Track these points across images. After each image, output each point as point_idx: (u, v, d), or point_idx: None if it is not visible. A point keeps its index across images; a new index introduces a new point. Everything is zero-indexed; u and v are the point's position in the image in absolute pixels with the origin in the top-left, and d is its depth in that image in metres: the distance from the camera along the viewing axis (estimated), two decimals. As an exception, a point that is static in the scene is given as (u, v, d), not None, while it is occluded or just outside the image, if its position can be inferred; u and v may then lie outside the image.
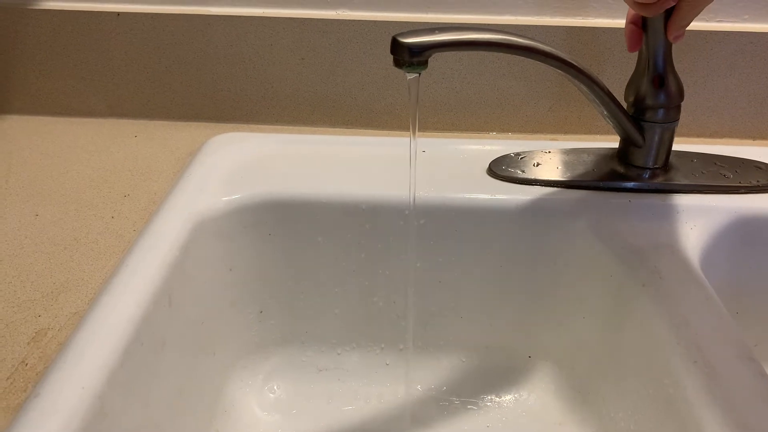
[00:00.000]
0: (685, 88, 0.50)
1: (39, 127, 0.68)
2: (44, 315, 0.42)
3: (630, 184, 0.53)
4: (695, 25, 0.62)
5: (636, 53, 0.50)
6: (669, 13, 0.45)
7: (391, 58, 0.40)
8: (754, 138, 0.66)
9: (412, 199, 0.50)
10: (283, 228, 0.54)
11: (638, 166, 0.53)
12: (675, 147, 0.53)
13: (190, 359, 0.48)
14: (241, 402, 0.56)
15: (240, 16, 0.63)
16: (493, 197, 0.53)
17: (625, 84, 0.51)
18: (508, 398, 0.58)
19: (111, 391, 0.36)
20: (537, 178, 0.54)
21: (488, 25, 0.63)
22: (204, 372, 0.51)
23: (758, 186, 0.53)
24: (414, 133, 0.46)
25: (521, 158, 0.57)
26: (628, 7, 0.46)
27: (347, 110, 0.67)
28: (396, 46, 0.39)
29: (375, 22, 0.62)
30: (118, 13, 0.64)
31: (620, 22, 0.62)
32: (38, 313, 0.42)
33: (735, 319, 0.42)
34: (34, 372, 0.37)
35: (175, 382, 0.46)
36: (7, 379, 0.37)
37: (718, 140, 0.66)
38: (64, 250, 0.48)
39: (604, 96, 0.47)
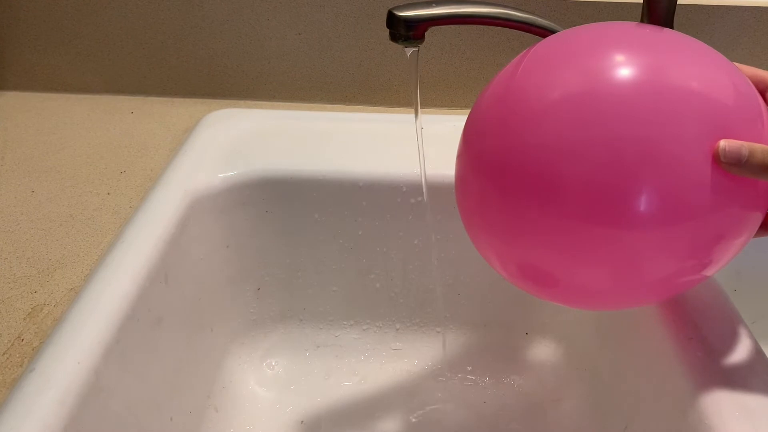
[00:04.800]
0: (686, 63, 0.49)
1: (34, 104, 0.67)
2: (40, 291, 0.42)
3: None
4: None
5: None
6: None
7: (388, 32, 0.39)
8: (755, 115, 0.66)
9: (423, 177, 0.50)
10: (280, 205, 0.54)
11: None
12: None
13: (187, 336, 0.49)
14: (240, 378, 0.56)
15: (236, -10, 0.62)
16: (491, 174, 0.52)
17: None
18: (505, 375, 0.58)
19: (107, 367, 0.36)
20: (535, 154, 0.53)
21: (488, -1, 0.62)
22: (202, 348, 0.52)
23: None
24: (417, 109, 0.45)
25: (520, 135, 0.56)
26: None
27: (344, 86, 0.67)
28: (392, 20, 0.38)
29: (373, -4, 0.61)
30: (113, -13, 0.63)
31: (622, -3, 0.61)
32: (34, 289, 0.42)
33: (733, 297, 0.42)
34: (30, 347, 0.37)
35: (172, 358, 0.46)
36: (3, 354, 0.37)
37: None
38: (59, 226, 0.48)
39: (604, 71, 0.47)
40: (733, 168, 0.29)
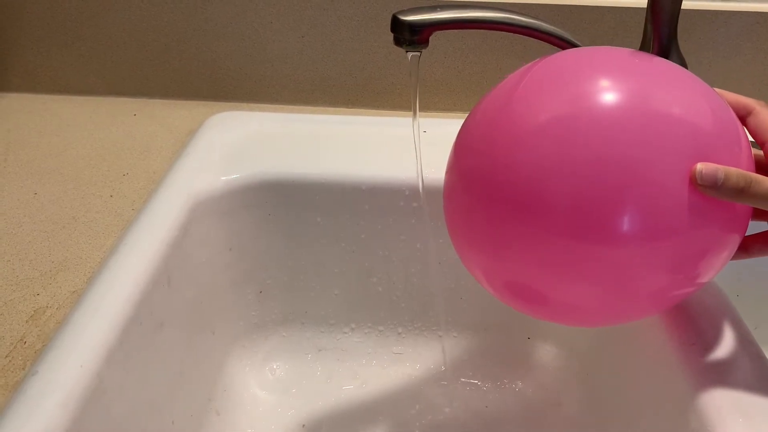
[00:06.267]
0: (689, 69, 0.49)
1: (37, 106, 0.67)
2: (43, 293, 0.42)
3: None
4: (703, 4, 0.61)
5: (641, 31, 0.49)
6: None
7: (391, 35, 0.39)
8: (758, 120, 0.66)
9: (420, 181, 0.50)
10: (283, 208, 0.54)
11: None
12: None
13: (189, 339, 0.49)
14: (241, 381, 0.56)
15: (239, -7, 0.62)
16: (493, 178, 0.52)
17: (629, 64, 0.50)
18: (506, 379, 0.58)
19: (109, 370, 0.36)
20: (538, 159, 0.54)
21: (491, 2, 0.62)
22: (203, 352, 0.52)
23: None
24: (415, 113, 0.45)
25: (523, 139, 0.56)
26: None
27: (347, 89, 0.67)
28: (396, 24, 0.38)
29: (376, -1, 0.61)
30: (116, -10, 0.63)
31: (625, 1, 0.61)
32: (37, 291, 0.42)
33: (735, 302, 0.42)
34: (33, 350, 0.37)
35: (174, 362, 0.46)
36: (6, 356, 0.37)
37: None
38: (62, 228, 0.48)
39: (607, 76, 0.47)
40: (710, 190, 0.30)
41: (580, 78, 0.32)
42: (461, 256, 0.38)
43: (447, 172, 0.38)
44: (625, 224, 0.30)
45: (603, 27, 0.61)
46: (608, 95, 0.31)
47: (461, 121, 0.38)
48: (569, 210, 0.30)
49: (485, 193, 0.33)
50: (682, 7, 0.47)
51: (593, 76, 0.32)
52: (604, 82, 0.32)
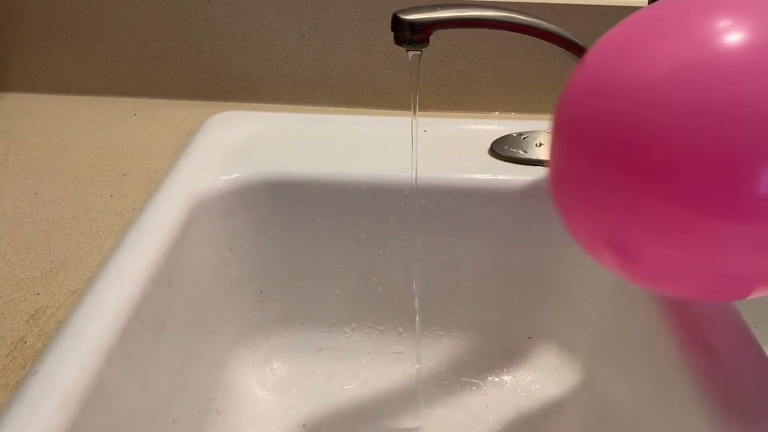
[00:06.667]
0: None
1: (37, 105, 0.67)
2: (43, 293, 0.42)
3: (633, 165, 0.52)
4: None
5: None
6: None
7: (392, 35, 0.39)
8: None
9: (414, 180, 0.50)
10: (283, 207, 0.54)
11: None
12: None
13: (190, 339, 0.48)
14: (242, 381, 0.56)
15: (240, -7, 0.62)
16: (494, 177, 0.52)
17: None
18: (507, 379, 0.58)
19: (110, 370, 0.36)
20: (539, 158, 0.53)
21: (492, 2, 0.62)
22: (204, 352, 0.52)
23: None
24: (415, 112, 0.45)
25: (524, 138, 0.56)
26: None
27: (348, 89, 0.67)
28: (397, 23, 0.39)
29: (376, -1, 0.61)
30: (116, -11, 0.63)
31: (626, 1, 0.61)
32: (37, 291, 0.42)
33: (736, 301, 0.42)
34: (33, 350, 0.37)
35: (174, 362, 0.46)
36: (6, 356, 0.37)
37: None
38: (63, 228, 0.48)
39: (608, 75, 0.47)
40: None
41: (703, 19, 0.27)
42: (561, 215, 0.34)
43: (553, 126, 0.34)
44: (763, 189, 0.25)
45: (604, 26, 0.61)
46: (740, 35, 0.26)
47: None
48: (693, 173, 0.26)
49: (594, 149, 0.29)
50: (683, 5, 0.47)
51: (717, 17, 0.27)
52: (728, 21, 0.26)
